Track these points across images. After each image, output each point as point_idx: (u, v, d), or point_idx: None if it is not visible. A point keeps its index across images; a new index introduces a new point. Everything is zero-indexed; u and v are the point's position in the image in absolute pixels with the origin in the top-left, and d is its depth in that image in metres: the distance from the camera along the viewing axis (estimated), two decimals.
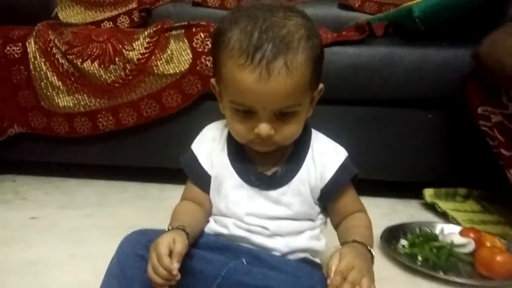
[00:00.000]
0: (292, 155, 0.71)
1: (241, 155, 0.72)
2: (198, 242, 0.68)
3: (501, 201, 1.27)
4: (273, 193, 0.70)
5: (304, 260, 0.70)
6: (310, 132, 0.74)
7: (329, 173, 0.70)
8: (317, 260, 0.73)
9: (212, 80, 0.71)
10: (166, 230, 0.64)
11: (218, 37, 0.64)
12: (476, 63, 1.12)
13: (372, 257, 0.63)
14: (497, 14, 1.32)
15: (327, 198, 0.72)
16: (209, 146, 0.74)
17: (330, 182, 0.70)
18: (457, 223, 1.18)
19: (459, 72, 1.25)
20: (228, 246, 0.68)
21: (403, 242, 1.05)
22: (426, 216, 1.28)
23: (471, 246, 1.00)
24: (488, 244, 0.99)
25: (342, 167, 0.71)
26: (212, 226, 0.72)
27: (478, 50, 1.09)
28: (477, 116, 1.15)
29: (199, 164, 0.74)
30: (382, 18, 1.49)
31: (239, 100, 0.62)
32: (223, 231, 0.70)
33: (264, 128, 0.63)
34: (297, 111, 0.64)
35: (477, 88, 1.16)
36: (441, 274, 0.91)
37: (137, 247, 0.64)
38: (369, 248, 0.64)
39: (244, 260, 0.65)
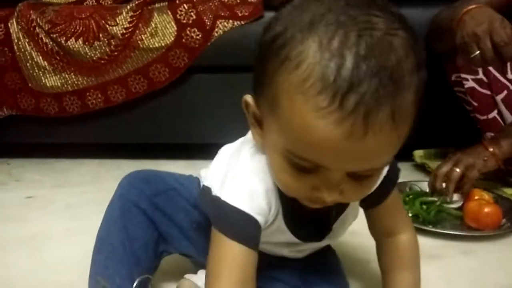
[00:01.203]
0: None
1: (298, 211, 0.53)
2: None
3: None
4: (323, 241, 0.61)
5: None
6: None
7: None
8: None
9: (248, 98, 0.49)
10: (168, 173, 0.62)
11: (276, 46, 0.42)
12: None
13: None
14: None
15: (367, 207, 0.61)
16: (266, 205, 0.51)
17: (372, 195, 0.53)
18: None
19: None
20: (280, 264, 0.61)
21: None
22: (417, 176, 1.29)
23: (460, 202, 1.03)
24: (476, 197, 1.01)
25: (386, 177, 0.55)
26: None
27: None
28: (451, 83, 1.17)
29: (258, 224, 0.50)
30: None
31: (307, 155, 0.42)
32: None
33: (331, 196, 0.45)
34: (379, 170, 0.47)
35: (448, 55, 1.17)
36: (430, 227, 0.94)
37: (140, 199, 0.61)
38: None
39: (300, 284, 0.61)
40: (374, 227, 0.63)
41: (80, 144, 1.53)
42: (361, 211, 0.63)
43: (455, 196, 1.04)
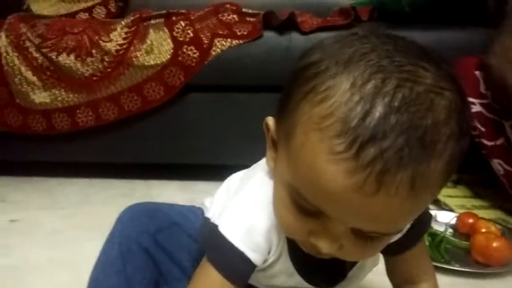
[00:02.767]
0: None
1: (309, 260, 0.48)
2: None
3: (491, 186, 1.26)
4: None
5: None
6: None
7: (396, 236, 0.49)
8: None
9: (269, 120, 0.46)
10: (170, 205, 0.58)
11: (308, 74, 0.39)
12: (487, 75, 1.08)
13: None
14: None
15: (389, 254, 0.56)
16: (264, 243, 0.48)
17: (397, 243, 0.51)
18: (449, 209, 1.17)
19: (446, 54, 1.21)
20: None
21: None
22: None
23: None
24: (483, 230, 0.98)
25: (416, 223, 0.49)
26: None
27: (489, 61, 1.06)
28: None
29: (251, 262, 0.48)
30: (366, 3, 1.46)
31: (310, 198, 0.39)
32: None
33: (328, 248, 0.41)
34: (388, 235, 0.42)
35: None
36: (437, 263, 0.90)
37: (142, 237, 0.56)
38: None
39: None
40: (393, 273, 0.59)
41: (68, 163, 1.47)
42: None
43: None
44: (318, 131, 0.36)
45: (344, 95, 0.35)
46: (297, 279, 0.52)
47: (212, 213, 0.55)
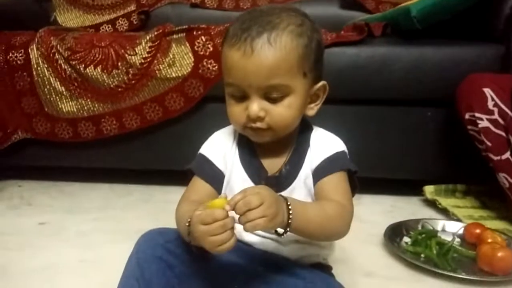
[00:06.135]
0: (294, 152, 0.72)
1: (252, 157, 0.72)
2: None
3: (499, 197, 1.30)
4: (284, 193, 0.68)
5: (317, 264, 0.72)
6: (311, 129, 0.74)
7: (317, 161, 0.70)
8: (328, 263, 0.75)
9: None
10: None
11: (225, 33, 0.68)
12: None
13: (288, 215, 0.57)
14: (492, 13, 1.35)
15: (314, 183, 0.70)
16: (222, 149, 0.74)
17: (316, 169, 0.69)
18: (458, 219, 1.21)
19: (457, 70, 1.27)
20: (242, 249, 0.69)
21: (406, 239, 1.08)
22: (428, 212, 1.30)
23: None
24: (489, 240, 1.01)
25: (331, 158, 0.69)
26: None
27: None
28: (464, 121, 1.18)
29: (213, 163, 0.73)
30: (379, 18, 1.50)
31: (230, 79, 0.65)
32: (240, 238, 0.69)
33: (253, 108, 0.64)
34: (287, 94, 0.65)
35: (463, 94, 1.19)
36: (443, 271, 0.94)
37: (155, 248, 0.64)
38: (289, 204, 0.57)
39: (259, 266, 0.66)
40: (316, 196, 0.70)
41: (91, 169, 1.54)
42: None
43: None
44: (225, 44, 0.66)
45: (235, 25, 0.65)
46: (249, 185, 0.69)
47: None
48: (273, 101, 0.65)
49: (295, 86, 0.65)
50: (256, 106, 0.64)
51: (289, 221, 0.56)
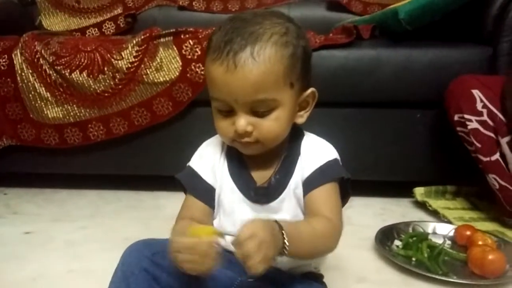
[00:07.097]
0: (284, 162, 0.70)
1: (241, 168, 0.71)
2: None
3: (488, 198, 1.30)
4: (274, 204, 0.69)
5: (309, 274, 0.71)
6: (302, 136, 0.73)
7: (308, 171, 0.68)
8: (320, 271, 0.74)
9: None
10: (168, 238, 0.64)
11: (207, 43, 0.66)
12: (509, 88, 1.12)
13: (284, 243, 0.56)
14: (480, 14, 1.35)
15: (304, 194, 0.69)
16: (211, 161, 0.73)
17: (307, 179, 0.68)
18: (448, 221, 1.21)
19: (446, 71, 1.27)
20: (232, 261, 0.67)
21: (397, 242, 1.08)
22: (418, 214, 1.30)
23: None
24: (479, 242, 1.01)
25: (323, 168, 0.68)
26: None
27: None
28: (454, 123, 1.18)
29: (202, 179, 0.72)
30: (367, 20, 1.50)
31: (215, 94, 0.64)
32: (229, 248, 0.68)
33: (240, 123, 0.63)
34: (274, 108, 0.63)
35: (452, 95, 1.19)
36: (435, 275, 0.94)
37: (142, 260, 0.63)
38: (283, 232, 0.57)
39: (250, 278, 0.65)
40: (306, 209, 0.69)
41: (78, 175, 1.51)
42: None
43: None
44: (208, 57, 0.63)
45: (217, 36, 0.63)
46: (239, 196, 0.70)
47: None
48: (261, 114, 0.63)
49: (282, 99, 0.63)
50: (243, 121, 0.63)
51: (285, 249, 0.56)
